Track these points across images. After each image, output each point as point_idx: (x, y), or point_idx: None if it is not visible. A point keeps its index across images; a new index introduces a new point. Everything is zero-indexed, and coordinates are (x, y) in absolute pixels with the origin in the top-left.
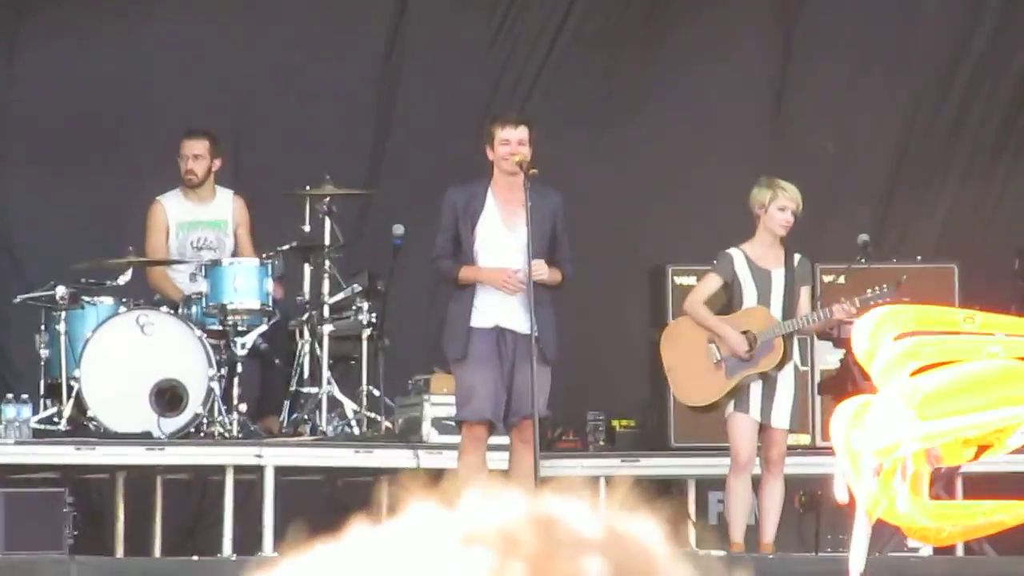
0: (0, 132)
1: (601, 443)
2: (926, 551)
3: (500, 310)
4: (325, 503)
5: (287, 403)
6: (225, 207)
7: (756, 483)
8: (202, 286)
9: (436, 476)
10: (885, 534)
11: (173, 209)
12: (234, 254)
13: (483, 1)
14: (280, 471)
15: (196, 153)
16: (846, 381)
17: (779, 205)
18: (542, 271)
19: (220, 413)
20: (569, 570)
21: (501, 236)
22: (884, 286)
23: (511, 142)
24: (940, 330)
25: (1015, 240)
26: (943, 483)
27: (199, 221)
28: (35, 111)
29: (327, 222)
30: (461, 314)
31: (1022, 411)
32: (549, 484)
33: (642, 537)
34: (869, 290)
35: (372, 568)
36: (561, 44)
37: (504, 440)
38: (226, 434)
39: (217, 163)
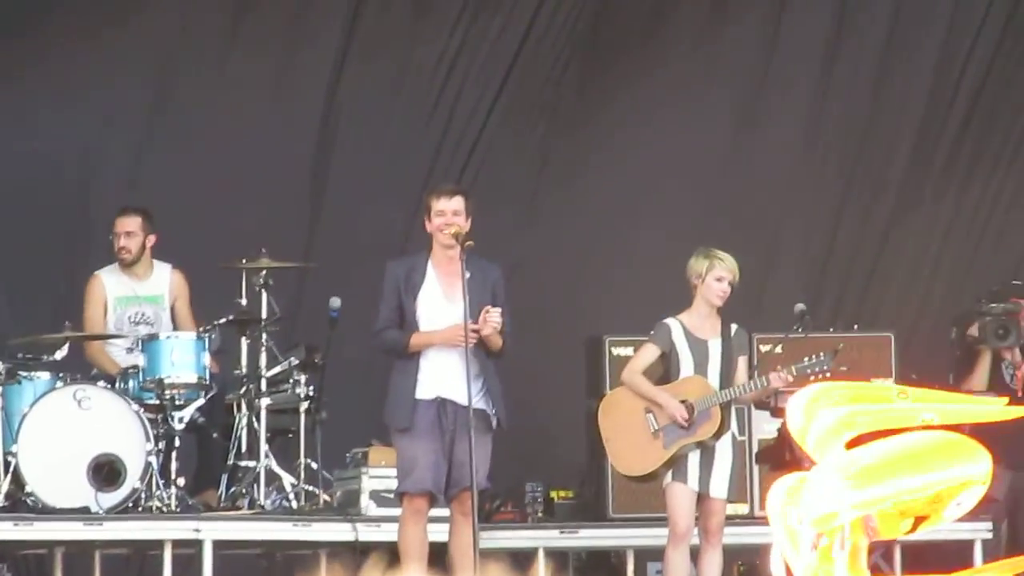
0: None
1: (539, 514)
2: None
3: (443, 381)
4: None
5: (225, 477)
6: (162, 281)
7: (695, 553)
8: (139, 360)
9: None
10: None
11: (111, 284)
12: (174, 328)
13: (420, 73)
14: (218, 545)
15: (128, 230)
16: (783, 450)
17: (716, 275)
18: (496, 317)
19: (158, 487)
20: None
21: (442, 308)
22: (821, 354)
23: (446, 213)
24: (872, 405)
25: (950, 310)
26: (881, 553)
27: (136, 296)
28: None
29: (263, 295)
30: (406, 385)
31: (954, 474)
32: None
33: None
34: (806, 358)
35: None
36: (497, 114)
37: (444, 512)
38: (164, 508)
39: (152, 239)
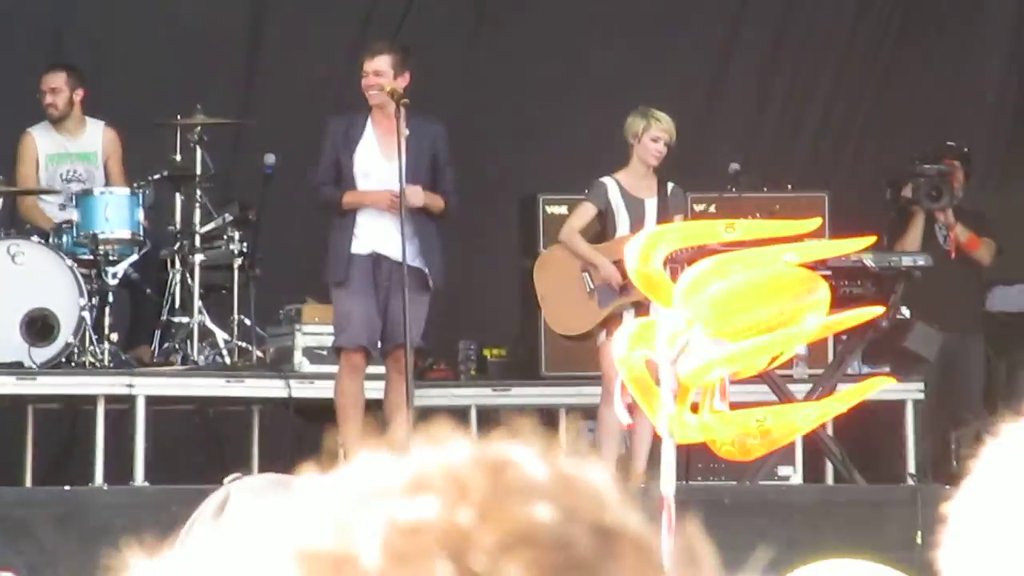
0: None
1: (472, 372)
2: (796, 479)
3: (379, 237)
4: (196, 432)
5: (158, 333)
6: (95, 139)
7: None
8: (72, 215)
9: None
10: (754, 464)
11: (43, 141)
12: (106, 185)
13: None
14: (151, 400)
15: (53, 86)
16: None
17: (652, 135)
18: (416, 198)
19: (91, 343)
20: (519, 516)
21: (379, 164)
22: (757, 216)
23: (368, 73)
24: (705, 242)
25: (884, 167)
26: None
27: (68, 153)
28: None
29: (198, 152)
30: (342, 240)
31: (808, 326)
32: (429, 415)
33: (592, 480)
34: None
35: (320, 514)
36: None
37: (380, 370)
38: (97, 363)
39: (79, 93)
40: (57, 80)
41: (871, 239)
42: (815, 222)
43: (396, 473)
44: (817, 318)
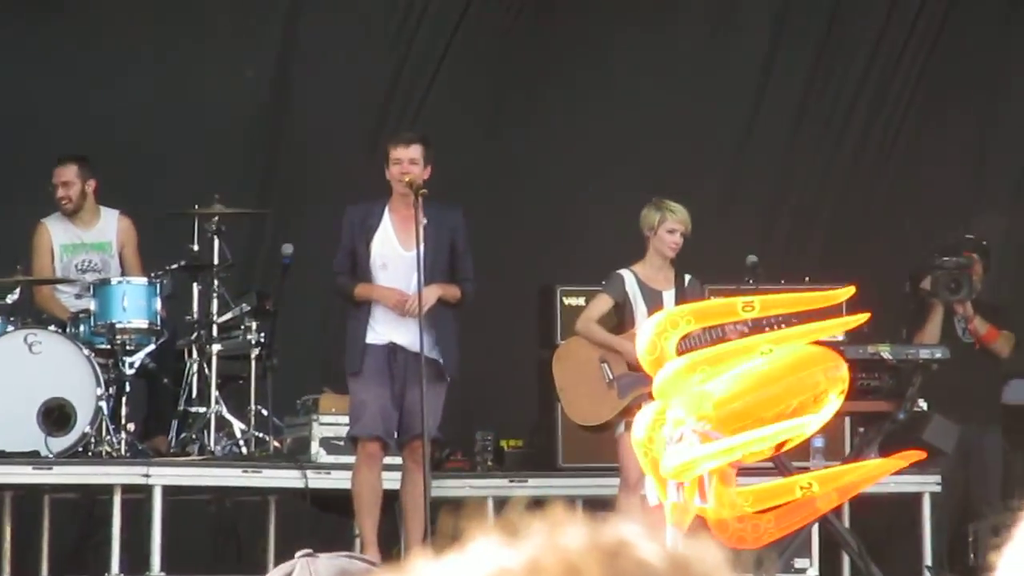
0: None
1: (489, 463)
2: (813, 572)
3: (395, 328)
4: (213, 522)
5: (175, 423)
6: (109, 228)
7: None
8: (89, 304)
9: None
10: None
11: (56, 232)
12: (121, 274)
13: (375, 15)
14: (168, 490)
15: (65, 180)
16: None
17: (668, 227)
18: (431, 297)
19: (108, 432)
20: None
21: (396, 252)
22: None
23: (403, 161)
24: (722, 321)
25: (906, 262)
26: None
27: (82, 243)
28: None
29: (216, 241)
30: (358, 330)
31: (794, 424)
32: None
33: (705, 563)
34: None
35: None
36: (453, 54)
37: (397, 460)
38: (114, 453)
39: (91, 184)
40: (68, 173)
41: (857, 318)
42: (847, 292)
43: (510, 559)
44: (820, 413)
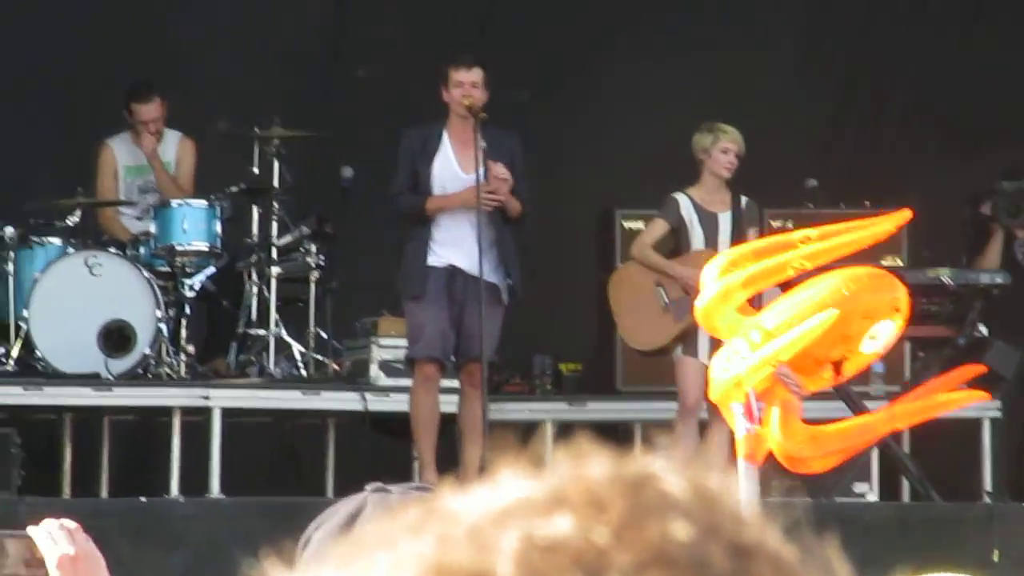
0: None
1: (548, 387)
2: (872, 496)
3: (455, 250)
4: (273, 445)
5: (235, 345)
6: (170, 149)
7: (703, 428)
8: (150, 227)
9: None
10: (830, 480)
11: (121, 153)
12: None
13: None
14: (227, 413)
15: (153, 117)
16: None
17: (721, 148)
18: (502, 175)
19: (168, 354)
20: (656, 535)
21: (456, 176)
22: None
23: (464, 84)
24: (781, 258)
25: (964, 184)
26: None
27: (145, 165)
28: None
29: (276, 164)
30: (417, 253)
31: (811, 323)
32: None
33: (731, 496)
34: None
35: (456, 530)
36: None
37: (455, 383)
38: (174, 375)
39: (167, 109)
40: (154, 111)
41: (896, 217)
42: (903, 216)
43: (533, 490)
44: (883, 329)
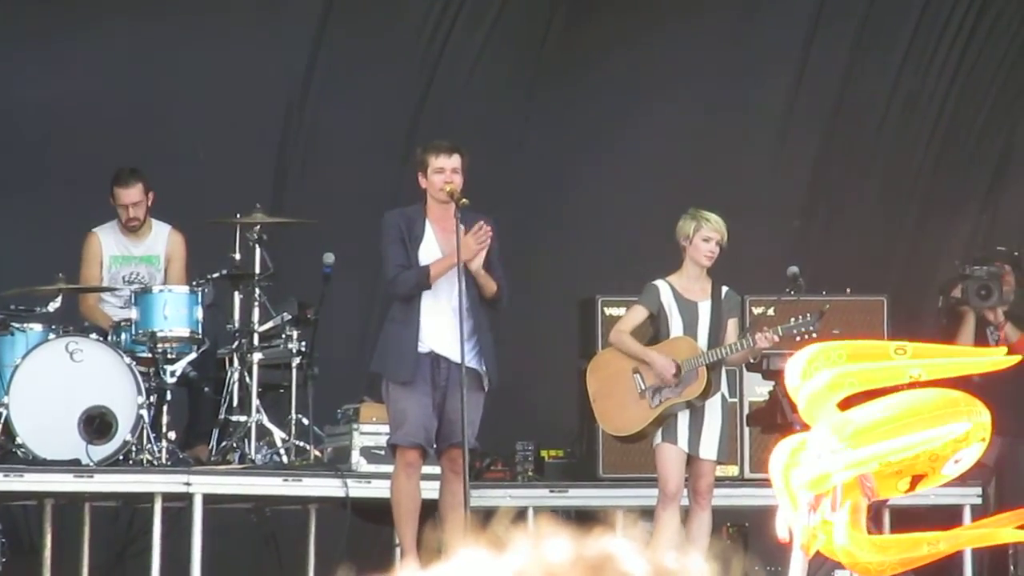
0: None
1: (530, 473)
2: None
3: (438, 337)
4: (253, 532)
5: (216, 431)
6: (160, 242)
7: (685, 514)
8: (132, 313)
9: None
10: (816, 565)
11: (108, 243)
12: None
13: (404, 27)
14: (209, 499)
15: (134, 201)
16: (775, 413)
17: (703, 236)
18: (475, 244)
19: (149, 441)
20: None
21: None
22: (808, 315)
23: (445, 170)
24: (873, 363)
25: (937, 276)
26: (871, 516)
27: (132, 256)
28: None
29: (257, 250)
30: (409, 338)
31: (941, 432)
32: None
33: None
34: (792, 319)
35: None
36: (483, 64)
37: (436, 469)
38: (155, 462)
39: (151, 197)
40: (136, 193)
41: (1015, 358)
42: (1013, 359)
43: (496, 571)
44: (968, 454)
